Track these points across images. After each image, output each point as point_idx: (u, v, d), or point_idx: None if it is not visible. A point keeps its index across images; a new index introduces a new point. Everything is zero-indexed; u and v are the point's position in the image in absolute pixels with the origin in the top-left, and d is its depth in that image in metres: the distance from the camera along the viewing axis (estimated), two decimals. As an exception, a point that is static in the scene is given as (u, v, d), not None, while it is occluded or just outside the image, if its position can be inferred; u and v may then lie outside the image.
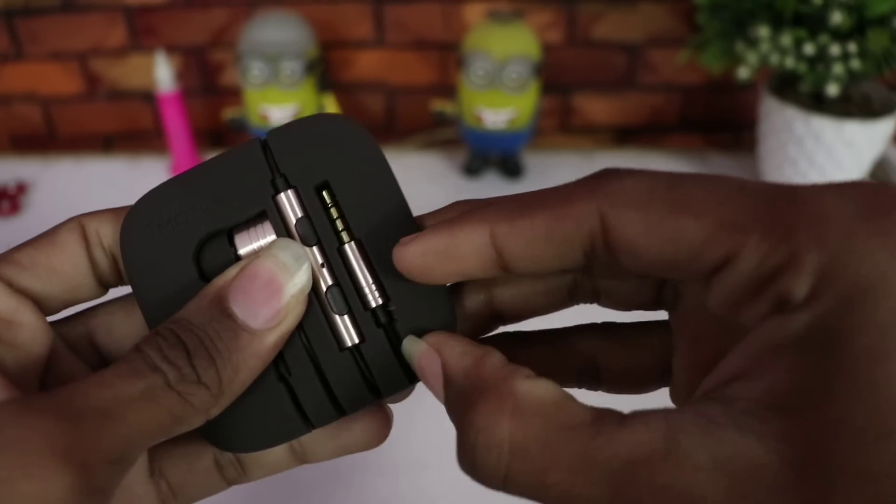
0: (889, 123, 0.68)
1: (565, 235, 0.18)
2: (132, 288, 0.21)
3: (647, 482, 0.15)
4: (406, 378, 0.21)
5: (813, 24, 0.65)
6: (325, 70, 0.84)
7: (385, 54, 0.89)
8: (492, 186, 0.80)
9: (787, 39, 0.65)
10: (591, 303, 0.23)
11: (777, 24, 0.67)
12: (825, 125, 0.68)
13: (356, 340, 0.21)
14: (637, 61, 0.89)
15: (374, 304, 0.21)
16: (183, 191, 0.21)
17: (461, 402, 0.18)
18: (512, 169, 0.81)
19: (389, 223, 0.21)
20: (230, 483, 0.23)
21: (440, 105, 0.82)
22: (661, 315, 0.22)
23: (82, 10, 0.85)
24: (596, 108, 0.92)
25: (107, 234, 0.22)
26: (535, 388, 0.17)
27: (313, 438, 0.22)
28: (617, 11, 0.85)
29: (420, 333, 0.20)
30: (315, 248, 0.21)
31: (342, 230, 0.21)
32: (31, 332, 0.20)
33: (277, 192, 0.21)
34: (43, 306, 0.21)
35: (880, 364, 0.14)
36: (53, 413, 0.16)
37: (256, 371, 0.19)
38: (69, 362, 0.22)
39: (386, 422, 0.22)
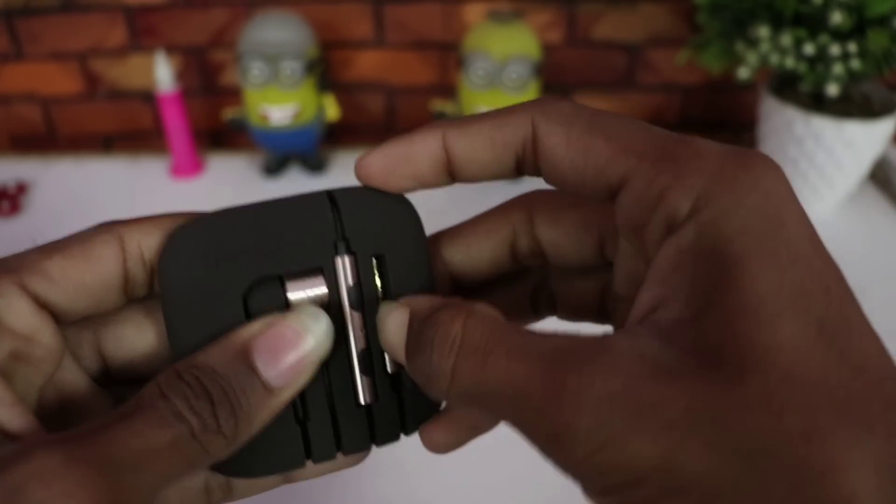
0: (889, 123, 0.68)
1: (504, 140, 0.21)
2: (165, 309, 0.21)
3: (576, 360, 0.16)
4: (401, 433, 0.23)
5: (813, 24, 0.65)
6: (325, 70, 0.84)
7: (385, 54, 0.89)
8: (491, 186, 0.80)
9: (787, 39, 0.65)
10: (538, 264, 0.25)
11: (777, 24, 0.67)
12: (825, 125, 0.68)
13: (369, 401, 0.23)
14: (637, 61, 0.89)
15: (390, 371, 0.23)
16: (244, 227, 0.22)
17: (423, 337, 0.19)
18: (512, 169, 0.81)
19: None
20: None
21: (440, 105, 0.82)
22: None
23: (82, 10, 0.85)
24: (596, 108, 0.92)
25: (150, 248, 0.21)
26: (488, 307, 0.19)
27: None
28: (617, 11, 0.85)
29: (424, 399, 0.23)
30: (358, 313, 0.22)
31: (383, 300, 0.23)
32: (46, 350, 0.20)
33: (337, 253, 0.22)
34: (60, 319, 0.21)
35: (761, 258, 0.16)
36: (95, 467, 0.16)
37: (266, 422, 0.20)
38: (70, 371, 0.22)
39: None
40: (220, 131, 0.94)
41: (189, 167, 0.81)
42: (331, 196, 0.22)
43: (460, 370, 0.18)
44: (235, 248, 0.21)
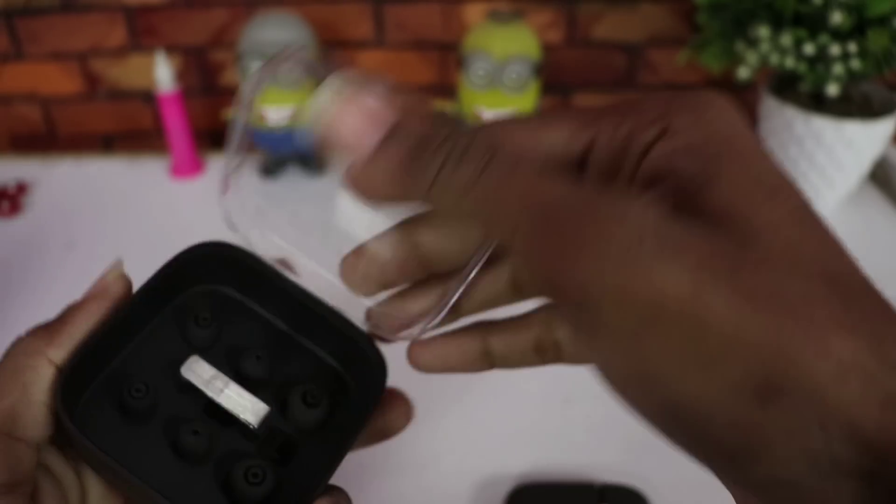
0: (889, 123, 0.68)
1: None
2: None
3: (609, 196, 0.17)
4: None
5: (813, 24, 0.65)
6: (324, 70, 0.83)
7: (385, 54, 0.89)
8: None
9: (787, 39, 0.65)
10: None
11: (777, 24, 0.67)
12: (825, 125, 0.68)
13: None
14: (637, 61, 0.89)
15: None
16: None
17: (445, 147, 0.19)
18: (512, 169, 0.81)
19: None
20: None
21: (440, 105, 0.82)
22: None
23: (82, 10, 0.85)
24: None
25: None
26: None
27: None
28: (617, 11, 0.85)
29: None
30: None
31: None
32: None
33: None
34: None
35: (735, 157, 0.18)
36: None
37: None
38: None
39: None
40: (220, 131, 0.94)
41: (189, 167, 0.81)
42: None
43: (485, 178, 0.18)
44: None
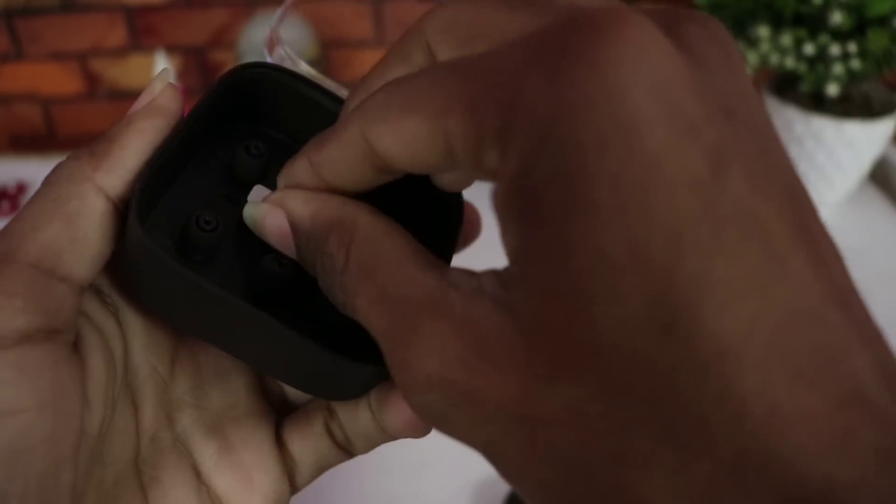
0: (889, 123, 0.68)
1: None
2: None
3: (409, 328, 0.15)
4: None
5: (813, 24, 0.65)
6: (325, 69, 0.84)
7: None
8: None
9: (787, 39, 0.65)
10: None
11: (777, 24, 0.67)
12: (825, 125, 0.68)
13: None
14: (637, 61, 0.89)
15: None
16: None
17: (312, 244, 0.19)
18: (512, 169, 0.81)
19: None
20: (341, 447, 0.23)
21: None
22: None
23: (82, 10, 0.85)
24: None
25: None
26: (375, 220, 0.18)
27: None
28: (617, 11, 0.85)
29: None
30: None
31: None
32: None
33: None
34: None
35: (571, 221, 0.12)
36: None
37: None
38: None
39: None
40: (220, 131, 0.94)
41: (189, 167, 0.82)
42: None
43: (344, 284, 0.17)
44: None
